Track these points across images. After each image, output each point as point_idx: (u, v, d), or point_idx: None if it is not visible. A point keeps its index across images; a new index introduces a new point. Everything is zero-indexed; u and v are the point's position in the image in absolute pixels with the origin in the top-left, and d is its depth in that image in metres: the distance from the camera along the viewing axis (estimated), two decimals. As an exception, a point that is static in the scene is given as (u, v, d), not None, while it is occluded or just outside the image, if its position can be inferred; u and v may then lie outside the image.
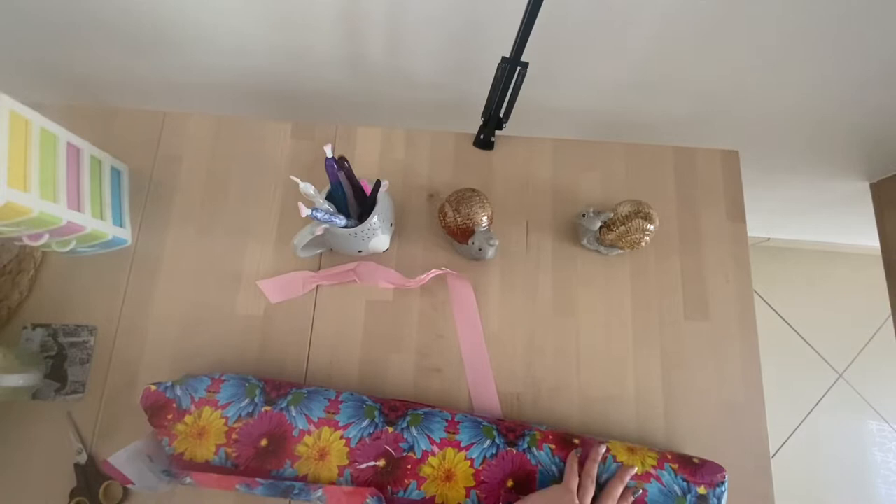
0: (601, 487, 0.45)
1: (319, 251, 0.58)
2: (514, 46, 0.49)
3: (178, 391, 0.48)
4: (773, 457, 0.55)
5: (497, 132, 0.62)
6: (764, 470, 0.54)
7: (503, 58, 0.51)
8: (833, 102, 0.67)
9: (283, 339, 0.56)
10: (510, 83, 0.53)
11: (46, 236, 0.46)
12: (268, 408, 0.47)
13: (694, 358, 0.57)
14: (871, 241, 0.92)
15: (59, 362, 0.54)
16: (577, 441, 0.48)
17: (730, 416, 0.55)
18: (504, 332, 0.57)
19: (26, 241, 0.46)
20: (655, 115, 0.74)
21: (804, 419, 1.39)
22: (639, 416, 0.55)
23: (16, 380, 0.48)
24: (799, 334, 1.45)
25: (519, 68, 0.51)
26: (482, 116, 0.59)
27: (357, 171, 0.53)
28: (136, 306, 0.56)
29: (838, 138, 0.76)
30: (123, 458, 0.44)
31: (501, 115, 0.58)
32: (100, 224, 0.52)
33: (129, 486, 0.44)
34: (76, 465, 0.51)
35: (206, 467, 0.46)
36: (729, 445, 0.54)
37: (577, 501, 0.43)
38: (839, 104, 0.68)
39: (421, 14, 0.57)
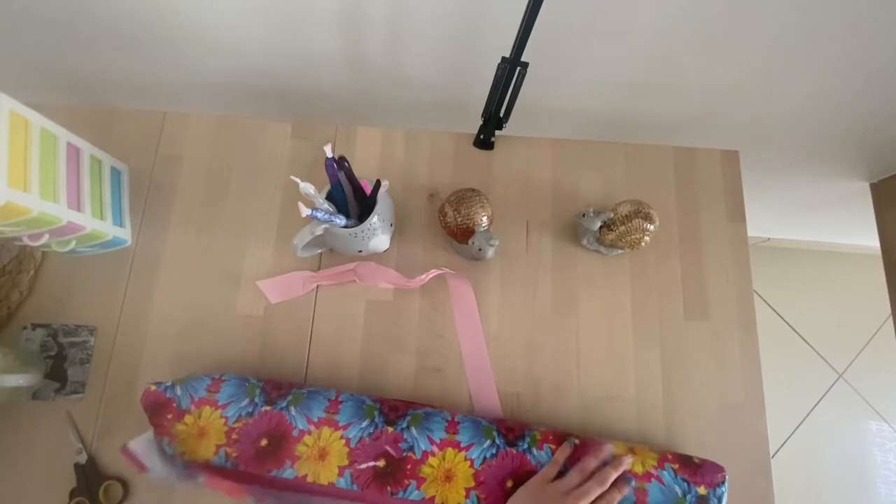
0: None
1: (319, 251, 0.58)
2: (514, 46, 0.49)
3: (178, 391, 0.48)
4: (773, 457, 0.55)
5: (497, 132, 0.62)
6: (764, 470, 0.54)
7: (503, 58, 0.51)
8: (833, 103, 0.67)
9: (283, 339, 0.56)
10: (510, 83, 0.53)
11: (46, 236, 0.46)
12: (268, 408, 0.47)
13: (694, 358, 0.57)
14: (871, 241, 0.92)
15: (59, 362, 0.54)
16: (577, 442, 0.48)
17: (730, 416, 0.55)
18: (504, 332, 0.57)
19: (26, 241, 0.46)
20: (655, 115, 0.74)
21: (804, 419, 1.39)
22: (639, 415, 0.55)
23: (16, 380, 0.48)
24: (799, 334, 1.45)
25: (519, 68, 0.51)
26: (482, 116, 0.59)
27: (357, 171, 0.53)
28: (136, 306, 0.56)
29: (838, 138, 0.76)
30: (144, 445, 0.44)
31: (501, 115, 0.58)
32: (100, 224, 0.52)
33: (143, 473, 0.44)
34: (76, 465, 0.51)
35: (207, 467, 0.46)
36: (729, 445, 0.54)
37: (557, 492, 0.43)
38: (839, 104, 0.67)
39: (421, 14, 0.57)
